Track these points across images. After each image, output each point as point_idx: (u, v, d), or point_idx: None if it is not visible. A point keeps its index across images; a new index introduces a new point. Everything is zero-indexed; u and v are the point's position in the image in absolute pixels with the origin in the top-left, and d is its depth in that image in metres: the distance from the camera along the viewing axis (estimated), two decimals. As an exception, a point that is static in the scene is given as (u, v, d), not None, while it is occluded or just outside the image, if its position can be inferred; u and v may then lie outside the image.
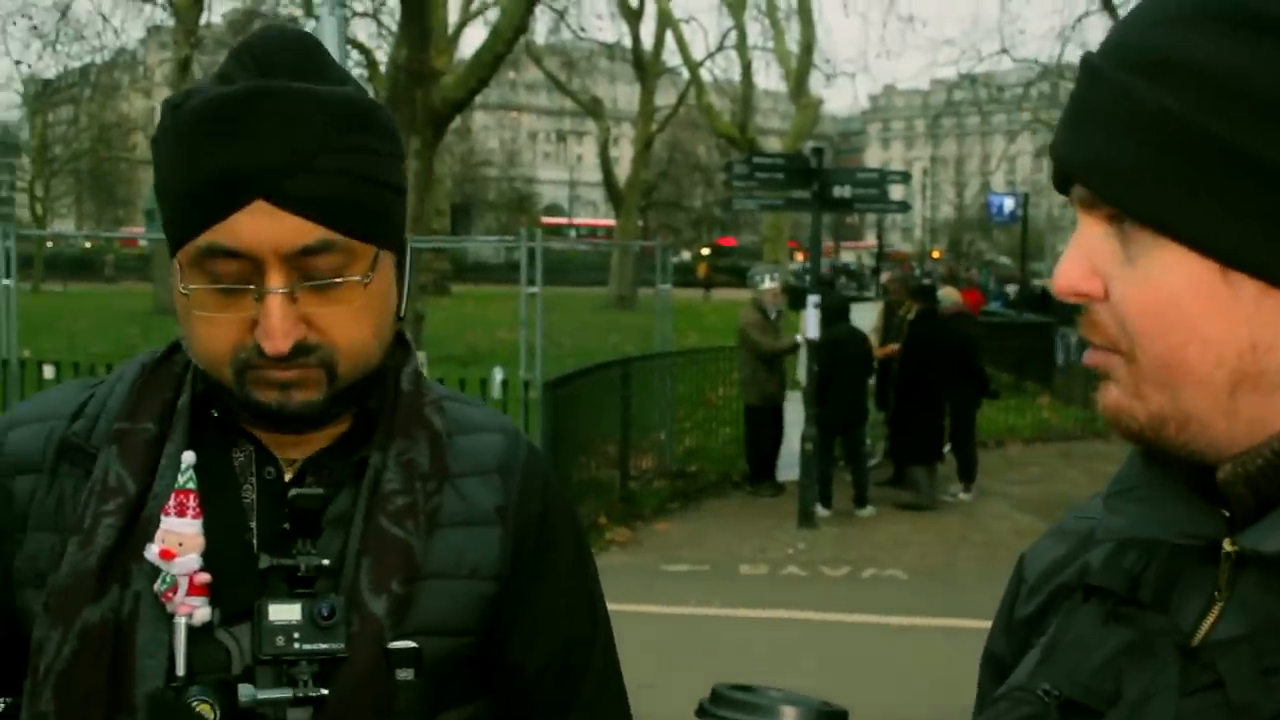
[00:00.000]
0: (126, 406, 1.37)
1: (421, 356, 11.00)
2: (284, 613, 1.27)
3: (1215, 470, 0.91)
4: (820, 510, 11.37)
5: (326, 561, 1.30)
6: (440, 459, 1.39)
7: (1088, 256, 0.92)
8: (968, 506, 12.04)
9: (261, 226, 1.23)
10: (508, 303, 12.00)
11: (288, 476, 1.37)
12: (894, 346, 12.50)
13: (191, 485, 1.31)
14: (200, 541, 1.29)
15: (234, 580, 1.30)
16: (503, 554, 1.39)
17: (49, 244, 49.91)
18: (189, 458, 1.32)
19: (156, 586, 1.27)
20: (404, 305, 1.40)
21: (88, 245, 54.90)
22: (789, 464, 12.15)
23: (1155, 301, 0.89)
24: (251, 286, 1.25)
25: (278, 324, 1.24)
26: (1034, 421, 16.45)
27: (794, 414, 11.97)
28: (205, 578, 1.28)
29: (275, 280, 1.24)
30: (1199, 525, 0.94)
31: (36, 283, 43.40)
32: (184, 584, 1.27)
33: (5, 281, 12.55)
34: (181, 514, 1.30)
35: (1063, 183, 0.96)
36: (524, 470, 1.45)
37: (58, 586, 1.28)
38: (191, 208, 1.25)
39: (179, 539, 1.28)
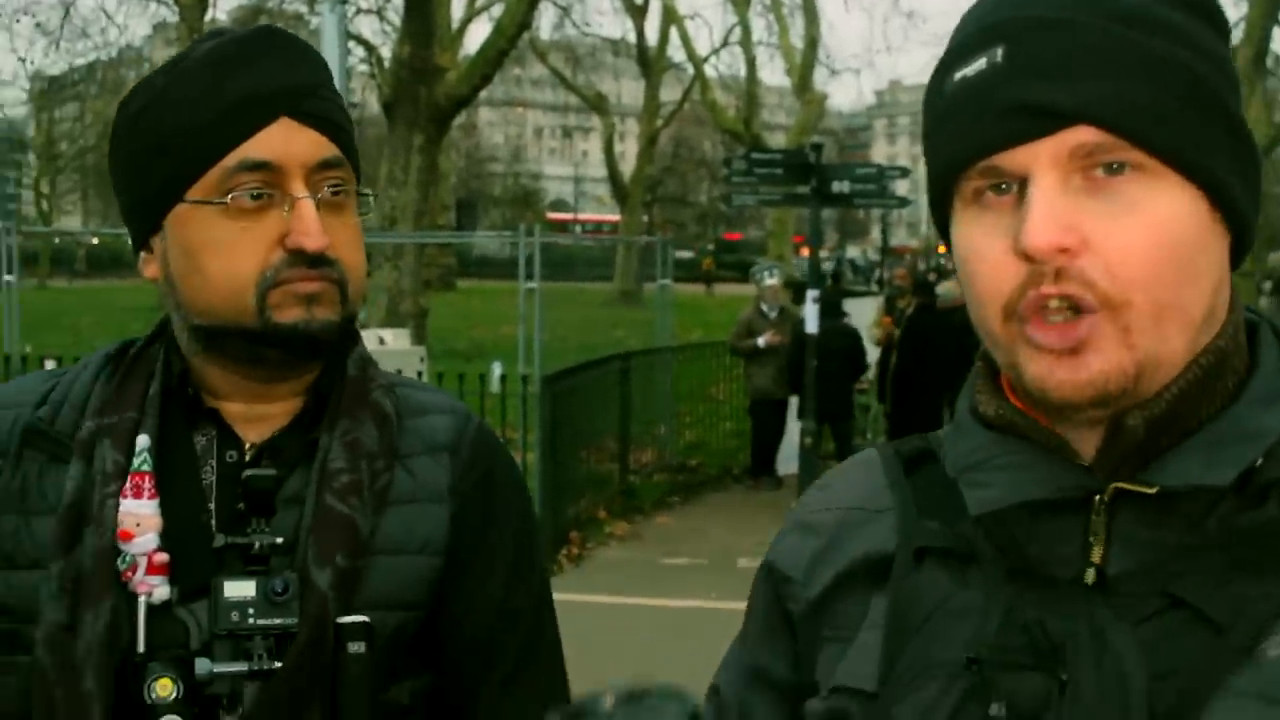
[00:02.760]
0: (110, 399, 1.42)
1: (421, 351, 11.03)
2: (239, 589, 1.32)
3: (1070, 424, 0.98)
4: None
5: (280, 539, 1.35)
6: (389, 440, 1.44)
7: (1060, 211, 0.91)
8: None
9: (289, 139, 1.34)
10: (513, 298, 12.01)
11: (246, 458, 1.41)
12: (887, 320, 12.69)
13: (146, 467, 1.35)
14: (157, 521, 1.34)
15: (191, 559, 1.34)
16: (451, 529, 1.44)
17: (55, 240, 49.95)
18: (143, 441, 1.37)
19: (117, 565, 1.32)
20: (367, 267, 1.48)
21: (94, 242, 54.96)
22: (790, 457, 12.19)
23: (1160, 241, 0.91)
24: (275, 194, 1.33)
25: (313, 222, 1.33)
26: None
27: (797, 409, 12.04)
28: (164, 557, 1.33)
29: (298, 188, 1.34)
30: (1072, 478, 0.98)
31: (42, 279, 43.44)
32: (143, 563, 1.32)
33: (7, 278, 12.56)
34: (138, 495, 1.34)
35: (1052, 125, 0.92)
36: (471, 447, 1.49)
37: (84, 570, 1.33)
38: (219, 129, 1.33)
39: (136, 519, 1.33)
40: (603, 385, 11.55)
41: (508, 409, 10.38)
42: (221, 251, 1.34)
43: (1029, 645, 0.96)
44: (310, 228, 1.32)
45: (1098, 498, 0.97)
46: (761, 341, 12.25)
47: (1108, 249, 0.91)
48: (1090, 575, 0.97)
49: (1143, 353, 0.92)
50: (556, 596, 1.58)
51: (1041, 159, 0.92)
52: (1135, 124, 0.91)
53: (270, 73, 1.35)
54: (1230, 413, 0.96)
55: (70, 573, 1.33)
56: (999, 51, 0.94)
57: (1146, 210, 0.92)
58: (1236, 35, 20.29)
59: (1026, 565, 1.00)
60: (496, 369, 11.72)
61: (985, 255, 0.96)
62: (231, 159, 1.32)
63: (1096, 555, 0.97)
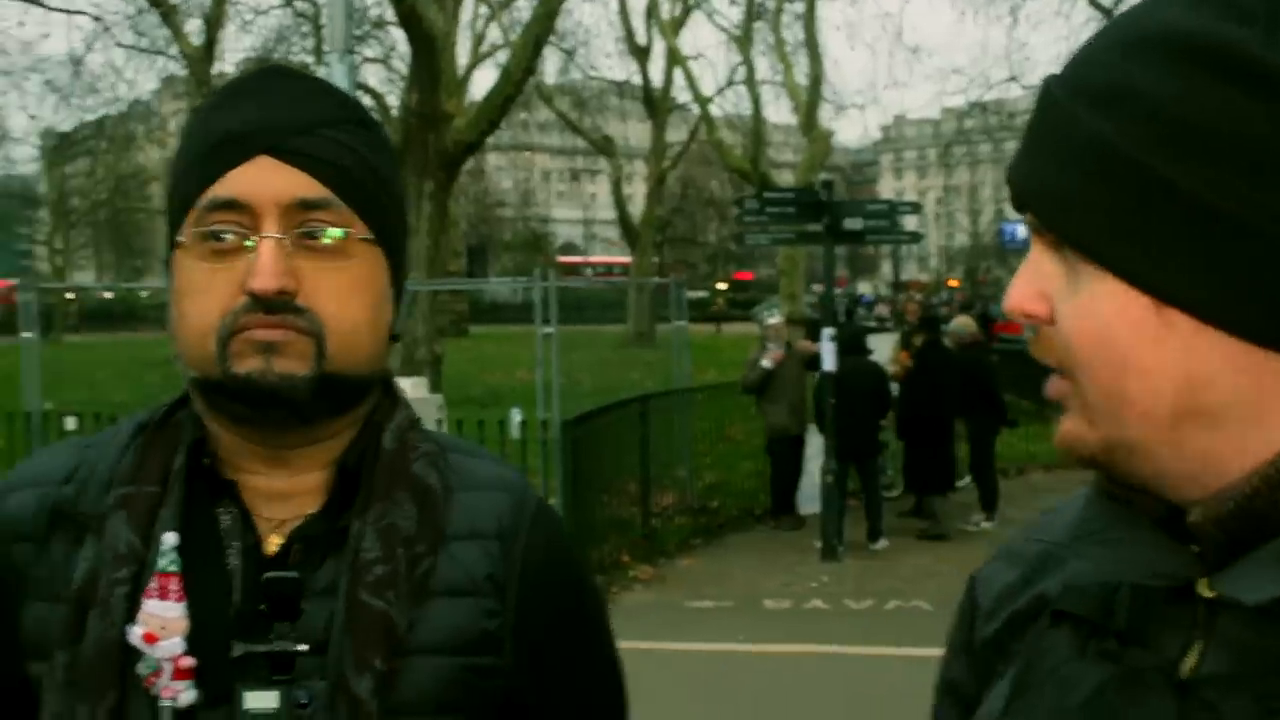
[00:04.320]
0: (130, 468, 1.31)
1: (439, 399, 11.02)
2: (260, 700, 1.22)
3: (1177, 504, 0.91)
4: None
5: (303, 648, 1.23)
6: (432, 519, 1.32)
7: (1038, 279, 0.92)
8: (990, 535, 11.98)
9: (262, 177, 1.24)
10: (527, 342, 12.02)
11: (271, 541, 1.30)
12: (904, 356, 12.69)
13: (174, 568, 1.24)
14: (184, 625, 1.22)
15: (216, 661, 1.23)
16: (501, 625, 1.32)
17: (69, 296, 50.18)
18: (170, 539, 1.25)
19: (140, 670, 1.21)
20: (398, 323, 1.37)
21: (108, 296, 55.24)
22: (811, 497, 12.14)
23: (1093, 331, 0.88)
24: (248, 244, 1.23)
25: (268, 262, 1.21)
26: (1055, 447, 16.37)
27: (816, 446, 11.99)
28: (190, 661, 1.22)
29: (269, 228, 1.23)
30: (1169, 565, 0.92)
31: (58, 335, 43.56)
32: (168, 668, 1.21)
33: (27, 335, 12.61)
34: (164, 597, 1.23)
35: (1021, 206, 0.95)
36: (529, 538, 1.37)
37: (84, 661, 1.22)
38: (197, 169, 1.26)
39: (161, 623, 1.22)
40: (622, 428, 11.52)
41: (528, 454, 10.36)
42: (196, 296, 1.24)
43: None
44: (263, 266, 1.21)
45: (1199, 592, 0.91)
46: (766, 361, 12.15)
47: (1062, 326, 0.91)
48: (1186, 669, 0.91)
49: (1103, 435, 0.90)
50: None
51: (1030, 226, 0.94)
52: (1047, 211, 0.90)
53: (253, 111, 1.26)
54: None
55: (74, 663, 1.23)
56: None
57: (1085, 294, 0.89)
58: None
59: (1142, 644, 0.94)
60: (515, 415, 11.70)
61: None
62: (204, 197, 1.24)
63: (1195, 650, 0.91)
